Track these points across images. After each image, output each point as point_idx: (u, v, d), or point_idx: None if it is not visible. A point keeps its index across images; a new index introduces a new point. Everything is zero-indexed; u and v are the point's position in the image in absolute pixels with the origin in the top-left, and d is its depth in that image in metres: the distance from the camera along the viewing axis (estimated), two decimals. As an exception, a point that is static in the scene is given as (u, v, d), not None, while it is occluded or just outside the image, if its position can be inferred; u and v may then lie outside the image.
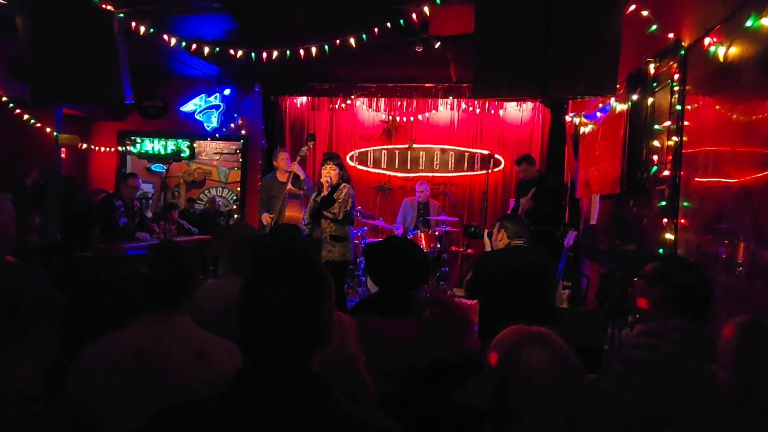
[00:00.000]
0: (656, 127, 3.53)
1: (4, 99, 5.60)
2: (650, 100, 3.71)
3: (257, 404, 0.94)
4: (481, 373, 1.78)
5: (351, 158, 7.67)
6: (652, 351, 1.66)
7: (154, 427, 1.00)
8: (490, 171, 6.51)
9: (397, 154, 7.71)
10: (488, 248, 3.40)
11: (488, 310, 3.03)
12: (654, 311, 1.78)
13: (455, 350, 1.86)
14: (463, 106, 7.53)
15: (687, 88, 3.10)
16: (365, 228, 6.80)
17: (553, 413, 1.12)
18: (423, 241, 6.14)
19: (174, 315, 1.57)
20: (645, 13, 3.23)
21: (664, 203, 3.25)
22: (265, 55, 4.61)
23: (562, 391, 1.14)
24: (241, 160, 8.08)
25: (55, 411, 1.19)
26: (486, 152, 7.25)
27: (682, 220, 3.05)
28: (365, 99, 7.66)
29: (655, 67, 3.61)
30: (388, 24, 4.11)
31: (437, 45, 5.09)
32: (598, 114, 4.90)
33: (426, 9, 3.92)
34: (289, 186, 5.10)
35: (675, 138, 3.15)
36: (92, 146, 7.71)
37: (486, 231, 3.53)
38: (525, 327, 1.22)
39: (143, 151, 7.99)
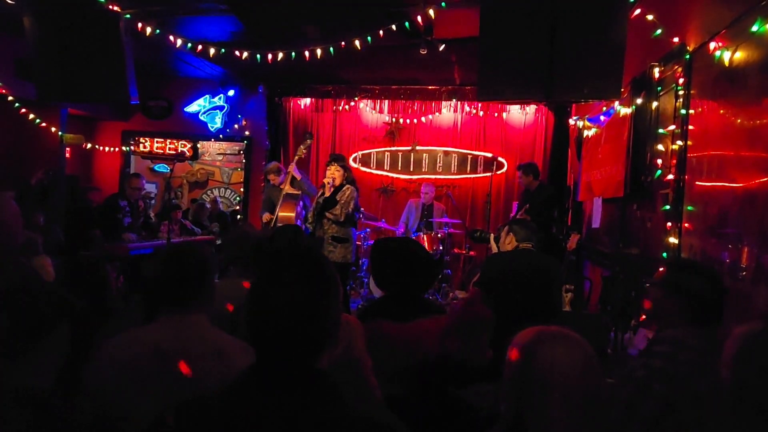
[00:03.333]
0: (660, 131, 3.53)
1: (10, 98, 5.62)
2: (654, 104, 3.71)
3: (266, 401, 0.95)
4: (491, 376, 1.78)
5: (354, 160, 7.69)
6: (671, 360, 1.63)
7: (165, 422, 1.01)
8: (493, 174, 6.52)
9: (400, 156, 7.72)
10: (495, 252, 3.41)
11: (496, 312, 3.03)
12: (670, 319, 1.75)
13: (482, 355, 1.85)
14: (467, 108, 7.53)
15: (692, 92, 3.11)
16: (368, 229, 6.81)
17: (574, 412, 1.13)
18: (426, 243, 6.15)
19: (191, 314, 1.58)
20: (650, 17, 3.23)
21: (668, 207, 3.25)
22: (270, 56, 4.63)
23: (583, 388, 1.14)
24: (244, 160, 8.10)
25: (72, 408, 1.20)
26: (489, 155, 7.27)
27: (686, 224, 3.05)
28: (369, 101, 7.67)
29: (659, 71, 3.62)
30: (393, 27, 4.12)
31: (441, 48, 5.10)
32: (602, 117, 4.90)
33: (431, 12, 3.93)
34: (287, 187, 5.17)
35: (679, 142, 3.16)
36: (97, 146, 7.74)
37: (492, 235, 3.54)
38: (543, 327, 1.23)
39: (147, 152, 8.04)
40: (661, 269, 1.86)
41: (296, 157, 5.36)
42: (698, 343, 1.65)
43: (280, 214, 5.07)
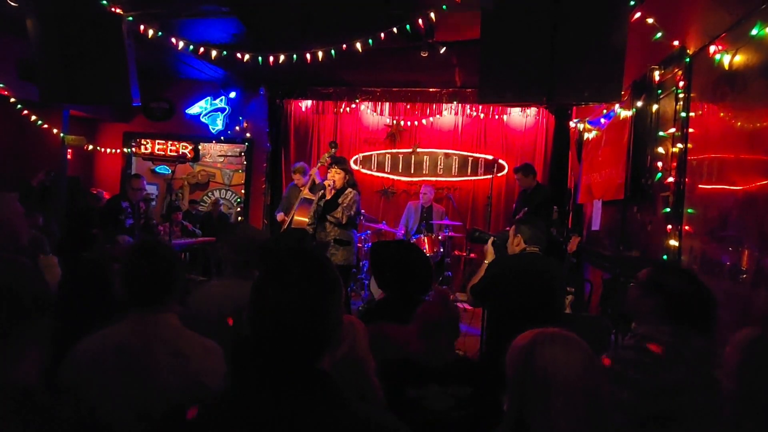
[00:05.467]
0: (661, 133, 3.54)
1: (13, 100, 5.65)
2: (655, 107, 3.72)
3: (268, 402, 0.96)
4: (461, 378, 1.79)
5: (355, 162, 7.70)
6: (641, 352, 1.69)
7: (165, 425, 1.01)
8: (493, 176, 6.52)
9: (400, 158, 7.73)
10: (490, 255, 3.38)
11: (497, 316, 3.03)
12: (647, 317, 1.80)
13: (446, 356, 1.86)
14: (468, 110, 7.55)
15: (692, 95, 3.11)
16: (368, 231, 6.82)
17: (575, 412, 1.14)
18: (426, 245, 6.16)
19: (158, 313, 1.60)
20: (650, 20, 3.24)
21: (668, 210, 3.26)
22: (271, 58, 4.65)
23: (584, 389, 1.15)
24: (245, 162, 8.12)
25: (56, 403, 1.21)
26: (490, 157, 7.27)
27: (687, 227, 3.06)
28: (370, 103, 7.69)
29: (659, 74, 3.63)
30: (395, 29, 4.14)
31: (443, 50, 5.12)
32: (602, 120, 4.91)
33: (432, 15, 3.95)
34: (306, 192, 5.20)
35: (680, 145, 3.16)
36: (98, 147, 7.76)
37: (492, 238, 3.50)
38: (542, 328, 1.24)
39: (148, 153, 8.05)
40: (643, 270, 1.89)
41: (319, 164, 5.43)
42: (666, 340, 1.67)
43: (296, 217, 5.13)
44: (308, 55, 4.52)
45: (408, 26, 4.14)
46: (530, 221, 3.22)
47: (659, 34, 3.23)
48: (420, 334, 1.84)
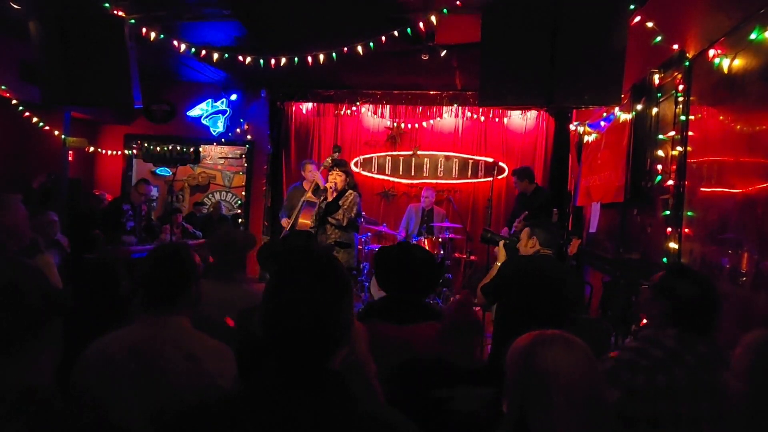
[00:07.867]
0: (660, 136, 3.55)
1: (14, 102, 5.66)
2: (654, 110, 3.73)
3: (281, 402, 0.97)
4: (486, 381, 1.80)
5: (355, 164, 7.71)
6: (641, 354, 1.70)
7: (178, 425, 1.02)
8: (494, 178, 6.53)
9: (401, 160, 7.75)
10: (502, 257, 3.39)
11: (508, 316, 3.04)
12: (654, 320, 1.80)
13: (471, 358, 1.87)
14: (468, 113, 7.56)
15: (691, 98, 3.13)
16: (369, 234, 6.83)
17: (576, 414, 1.15)
18: (426, 248, 6.17)
19: (171, 315, 1.61)
20: (650, 24, 3.26)
21: (668, 212, 3.27)
22: (273, 61, 4.66)
23: (584, 390, 1.16)
24: (246, 164, 8.13)
25: (69, 404, 1.22)
26: (490, 160, 7.29)
27: (686, 230, 3.07)
28: (370, 105, 7.70)
29: (659, 78, 3.64)
30: (395, 32, 4.16)
31: (443, 53, 5.14)
32: (602, 123, 4.93)
33: (433, 18, 3.97)
34: (309, 195, 5.19)
35: (679, 148, 3.18)
36: (99, 149, 7.77)
37: (504, 240, 3.52)
38: (542, 330, 1.25)
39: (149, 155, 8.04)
40: (659, 272, 1.89)
41: (322, 167, 5.41)
42: (673, 344, 1.69)
43: (300, 220, 5.10)
44: (309, 58, 4.54)
45: (409, 29, 4.15)
46: (545, 225, 3.25)
47: (659, 38, 3.25)
48: (443, 337, 1.84)
